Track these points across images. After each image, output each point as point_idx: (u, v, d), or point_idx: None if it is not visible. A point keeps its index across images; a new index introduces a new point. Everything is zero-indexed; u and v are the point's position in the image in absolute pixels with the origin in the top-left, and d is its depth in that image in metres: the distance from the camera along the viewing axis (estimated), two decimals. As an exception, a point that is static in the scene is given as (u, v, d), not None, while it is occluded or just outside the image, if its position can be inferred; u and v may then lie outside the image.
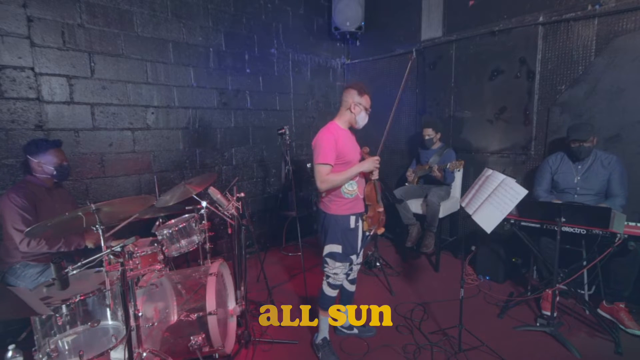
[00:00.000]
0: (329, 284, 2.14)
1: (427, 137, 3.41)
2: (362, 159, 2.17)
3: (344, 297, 2.37)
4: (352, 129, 2.17)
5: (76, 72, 2.70)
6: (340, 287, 2.31)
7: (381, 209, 2.19)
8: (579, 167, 2.64)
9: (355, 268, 2.30)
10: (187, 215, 2.43)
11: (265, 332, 2.44)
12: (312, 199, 4.15)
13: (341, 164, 2.03)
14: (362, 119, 2.09)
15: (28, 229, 1.50)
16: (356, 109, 2.05)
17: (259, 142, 3.96)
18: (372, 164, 2.04)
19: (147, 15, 3.02)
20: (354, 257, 2.13)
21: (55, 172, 2.22)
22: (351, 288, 2.35)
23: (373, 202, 2.16)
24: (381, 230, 2.24)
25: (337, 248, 2.07)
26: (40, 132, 2.57)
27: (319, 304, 2.21)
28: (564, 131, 2.89)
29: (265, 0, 3.83)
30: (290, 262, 3.72)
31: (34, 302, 1.12)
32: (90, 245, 2.26)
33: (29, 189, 2.14)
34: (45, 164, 2.19)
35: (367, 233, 2.19)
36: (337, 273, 2.10)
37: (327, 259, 2.10)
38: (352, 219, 2.08)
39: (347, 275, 2.27)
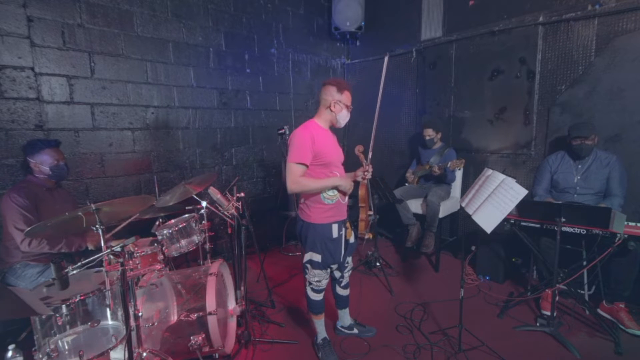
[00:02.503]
0: (313, 289, 2.08)
1: (427, 138, 3.41)
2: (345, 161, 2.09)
3: (339, 302, 2.34)
4: (332, 128, 2.04)
5: (76, 72, 2.70)
6: (334, 294, 2.30)
7: (371, 212, 2.11)
8: (579, 166, 2.64)
9: (347, 274, 2.25)
10: (187, 215, 2.43)
11: (265, 332, 2.44)
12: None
13: (319, 165, 1.90)
14: (343, 118, 1.95)
15: (28, 229, 1.50)
16: (336, 107, 1.91)
17: (259, 142, 3.96)
18: (349, 184, 1.93)
19: (147, 15, 3.02)
20: (334, 265, 2.05)
21: (50, 172, 2.20)
22: (344, 292, 2.31)
23: (366, 204, 2.10)
24: (370, 235, 2.18)
25: (316, 257, 1.97)
26: (40, 132, 2.57)
27: (308, 309, 2.16)
28: (564, 131, 2.89)
29: (265, 0, 3.83)
30: (290, 262, 3.72)
31: (34, 302, 1.12)
32: (91, 247, 2.26)
33: (29, 188, 2.14)
34: (41, 164, 2.18)
35: (364, 237, 2.14)
36: (320, 280, 2.04)
37: (307, 265, 2.03)
38: (335, 227, 1.95)
39: (340, 282, 2.25)
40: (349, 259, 2.23)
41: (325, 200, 1.93)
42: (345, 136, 4.61)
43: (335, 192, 1.95)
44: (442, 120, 3.69)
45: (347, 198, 2.03)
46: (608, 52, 2.68)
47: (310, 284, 2.07)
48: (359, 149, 2.08)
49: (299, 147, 1.82)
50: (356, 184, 2.07)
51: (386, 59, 2.14)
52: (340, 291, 2.29)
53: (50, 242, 2.09)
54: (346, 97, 1.94)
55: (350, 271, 2.29)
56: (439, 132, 3.44)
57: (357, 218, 2.16)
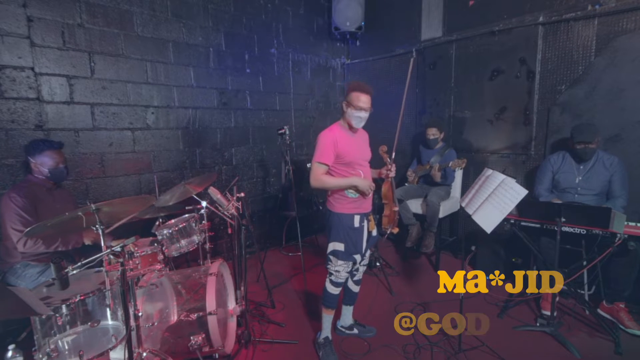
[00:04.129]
0: (332, 282, 2.14)
1: (432, 137, 3.40)
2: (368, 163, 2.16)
3: (347, 297, 2.37)
4: (363, 128, 2.14)
5: (76, 72, 2.70)
6: (345, 287, 2.32)
7: (396, 208, 2.20)
8: (581, 167, 2.64)
9: (361, 269, 2.29)
10: (187, 215, 2.43)
11: (265, 332, 2.44)
12: (313, 199, 4.14)
13: (342, 165, 2.02)
14: (354, 118, 2.01)
15: (27, 229, 1.49)
16: (348, 108, 2.02)
17: (259, 142, 3.96)
18: (367, 186, 2.00)
19: (147, 15, 3.02)
20: (357, 256, 2.11)
21: (49, 174, 2.20)
22: (355, 289, 2.34)
23: (390, 200, 2.17)
24: (396, 230, 2.24)
25: (339, 246, 2.06)
26: (40, 132, 2.57)
27: (322, 302, 2.21)
28: (564, 131, 2.89)
29: (265, 0, 3.83)
30: (290, 262, 3.72)
31: (34, 302, 1.12)
32: (88, 242, 2.26)
33: (30, 188, 2.14)
34: (41, 165, 2.18)
35: (386, 232, 2.21)
36: (339, 271, 2.10)
37: (330, 257, 2.10)
38: (357, 218, 2.06)
39: (353, 275, 2.28)
40: (367, 252, 2.28)
41: (348, 194, 2.06)
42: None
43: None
44: (442, 120, 3.69)
45: (371, 194, 2.10)
46: (608, 52, 2.68)
47: (330, 274, 2.14)
48: (382, 149, 2.20)
49: (322, 148, 1.99)
50: (380, 181, 2.21)
51: (412, 60, 2.28)
52: (352, 285, 2.32)
53: (45, 241, 2.08)
54: (355, 98, 2.00)
55: (365, 266, 2.33)
56: (443, 132, 3.44)
57: (382, 213, 2.25)
